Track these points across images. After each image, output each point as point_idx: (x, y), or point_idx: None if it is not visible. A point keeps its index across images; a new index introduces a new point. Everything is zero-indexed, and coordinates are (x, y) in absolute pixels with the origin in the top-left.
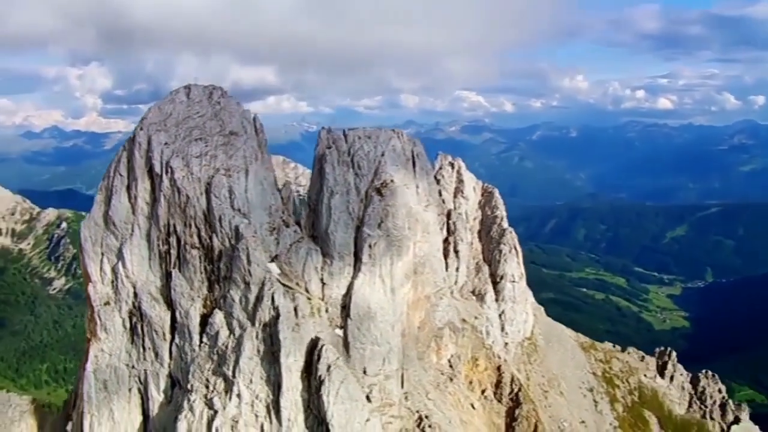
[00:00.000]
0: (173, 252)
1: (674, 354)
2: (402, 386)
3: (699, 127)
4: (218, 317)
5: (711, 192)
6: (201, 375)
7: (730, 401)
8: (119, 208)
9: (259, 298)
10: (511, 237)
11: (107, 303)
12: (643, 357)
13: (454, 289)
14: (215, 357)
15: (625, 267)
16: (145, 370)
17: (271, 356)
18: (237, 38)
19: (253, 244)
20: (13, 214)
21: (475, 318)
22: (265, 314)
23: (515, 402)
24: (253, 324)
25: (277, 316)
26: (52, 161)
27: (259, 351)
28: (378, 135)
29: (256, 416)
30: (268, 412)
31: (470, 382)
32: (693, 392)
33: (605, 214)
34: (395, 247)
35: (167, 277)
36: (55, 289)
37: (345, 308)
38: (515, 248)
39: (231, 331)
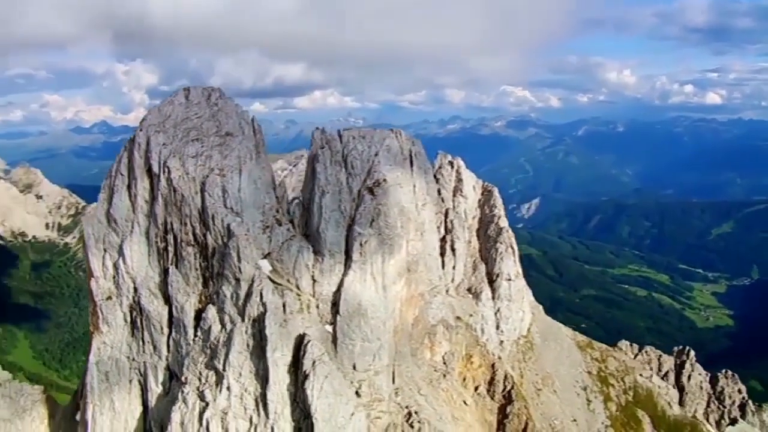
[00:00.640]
0: (170, 249)
1: (692, 353)
2: (393, 382)
3: (748, 122)
4: (211, 312)
5: (759, 188)
6: (195, 368)
7: (750, 402)
8: (120, 206)
9: (248, 295)
10: (508, 236)
11: (109, 297)
12: (660, 356)
13: (450, 286)
14: (208, 351)
15: (670, 264)
16: (144, 363)
17: (260, 351)
18: (276, 38)
19: (243, 242)
20: (59, 208)
21: (470, 316)
22: (254, 310)
23: (507, 399)
24: (243, 319)
25: (265, 312)
26: (100, 156)
27: (248, 345)
28: (372, 135)
29: (245, 409)
30: (257, 405)
31: (464, 379)
32: (711, 392)
33: (650, 210)
34: (387, 245)
35: (165, 273)
36: None
37: (335, 305)
38: (512, 247)
39: (223, 325)
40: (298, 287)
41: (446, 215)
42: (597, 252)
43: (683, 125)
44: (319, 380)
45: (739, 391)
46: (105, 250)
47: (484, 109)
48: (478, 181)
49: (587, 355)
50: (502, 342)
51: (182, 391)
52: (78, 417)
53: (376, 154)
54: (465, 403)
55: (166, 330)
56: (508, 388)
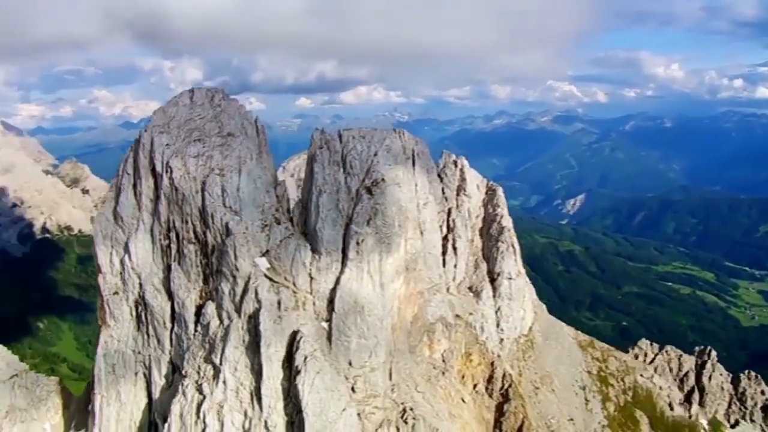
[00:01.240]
0: (173, 246)
1: (714, 353)
2: (390, 378)
3: None
4: (210, 308)
5: None
6: (194, 362)
7: None
8: (126, 204)
9: (245, 291)
10: (510, 235)
11: (116, 293)
12: (680, 355)
13: (451, 285)
14: (206, 345)
15: (715, 261)
16: (149, 356)
17: (255, 346)
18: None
19: (240, 240)
20: (104, 203)
21: (470, 314)
22: (249, 306)
23: (505, 397)
24: (239, 315)
25: (260, 309)
26: None
27: (244, 341)
28: (372, 135)
29: (241, 402)
30: (252, 398)
31: (463, 377)
32: (733, 393)
33: (696, 206)
34: (385, 243)
35: (168, 269)
36: None
37: (332, 302)
38: (513, 246)
39: (221, 321)
40: (294, 284)
41: (449, 214)
42: (641, 248)
43: (732, 120)
44: (310, 375)
45: (763, 392)
46: (112, 247)
47: (530, 104)
48: (482, 180)
49: (588, 354)
50: (502, 340)
51: (182, 384)
52: (90, 408)
53: (376, 154)
54: (463, 400)
55: (169, 324)
56: (506, 386)
